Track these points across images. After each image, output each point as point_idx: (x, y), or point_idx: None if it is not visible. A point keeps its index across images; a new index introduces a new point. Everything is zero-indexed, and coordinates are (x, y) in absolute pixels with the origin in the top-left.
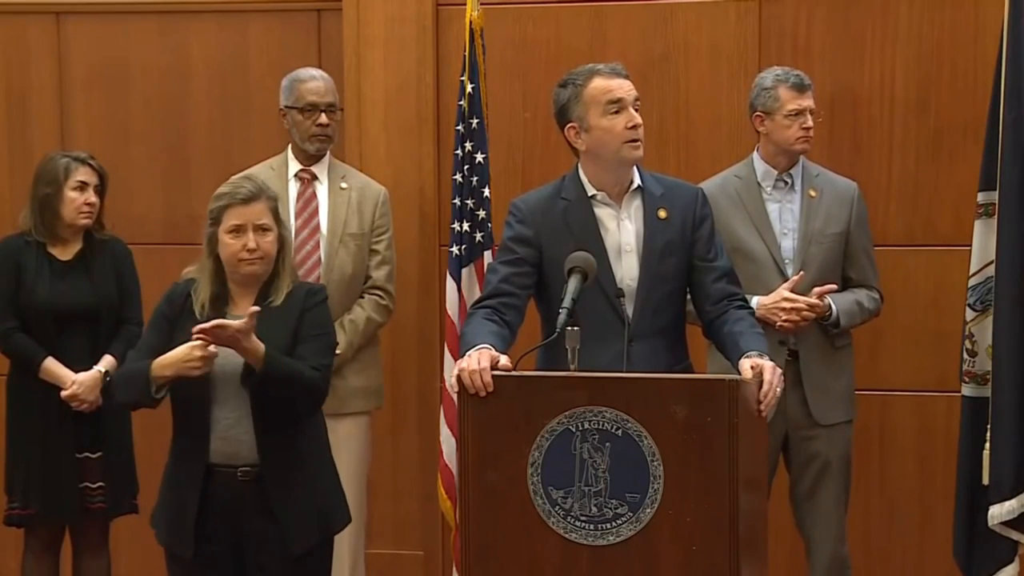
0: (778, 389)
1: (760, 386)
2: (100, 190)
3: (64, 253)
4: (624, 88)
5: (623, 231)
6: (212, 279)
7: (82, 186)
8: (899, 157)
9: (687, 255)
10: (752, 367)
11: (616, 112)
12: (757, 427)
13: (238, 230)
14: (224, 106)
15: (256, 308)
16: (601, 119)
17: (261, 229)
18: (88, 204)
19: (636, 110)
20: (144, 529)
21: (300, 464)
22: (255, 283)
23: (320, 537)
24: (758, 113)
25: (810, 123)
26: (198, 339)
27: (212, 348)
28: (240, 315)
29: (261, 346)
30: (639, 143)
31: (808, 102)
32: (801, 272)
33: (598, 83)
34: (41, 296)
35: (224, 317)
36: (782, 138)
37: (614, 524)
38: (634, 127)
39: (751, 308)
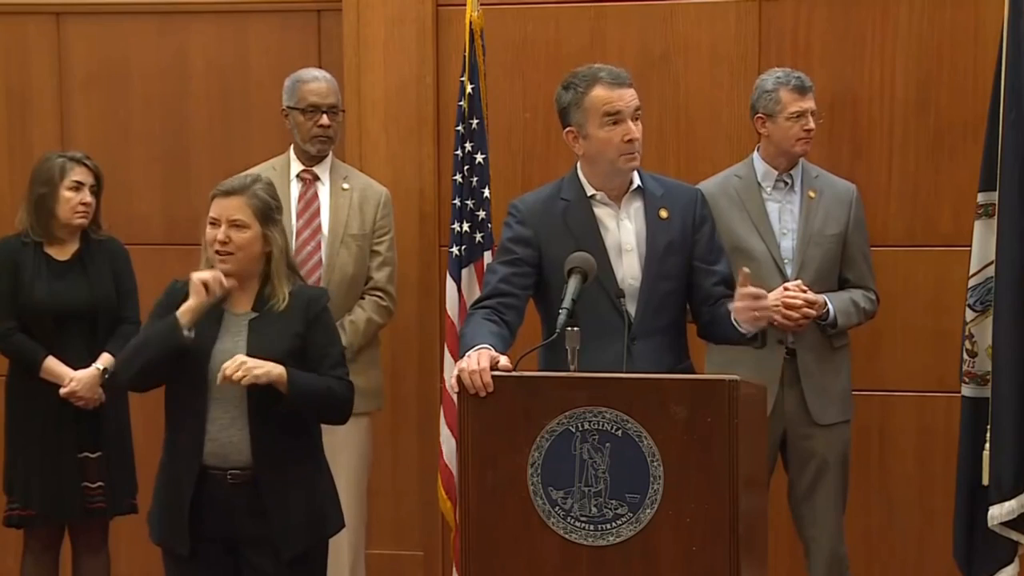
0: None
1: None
2: (96, 190)
3: (61, 253)
4: (625, 99)
5: (623, 231)
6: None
7: (78, 186)
8: (899, 157)
9: (687, 255)
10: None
11: (614, 124)
12: (757, 427)
13: (214, 223)
14: (224, 106)
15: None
16: (599, 130)
17: (235, 225)
18: (83, 204)
19: (637, 120)
20: (144, 529)
21: (294, 467)
22: (240, 281)
23: (313, 541)
24: (759, 115)
25: (811, 125)
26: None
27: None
28: (238, 312)
29: (279, 368)
30: (635, 155)
31: (809, 104)
32: (799, 279)
33: (599, 92)
34: (39, 296)
35: (222, 313)
36: (783, 140)
37: (614, 524)
38: (630, 140)
39: None
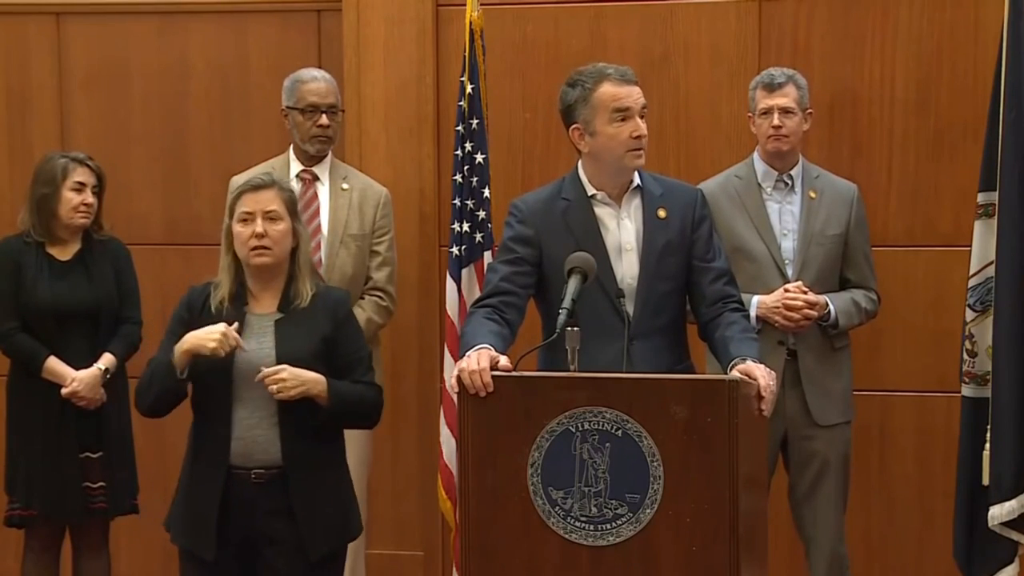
0: (773, 386)
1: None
2: (98, 191)
3: (63, 253)
4: (633, 96)
5: (623, 230)
6: (231, 276)
7: (80, 187)
8: (899, 157)
9: (686, 255)
10: (741, 374)
11: (622, 120)
12: (757, 427)
13: (248, 217)
14: (224, 106)
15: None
16: (607, 126)
17: (270, 217)
18: (85, 204)
19: (643, 118)
20: (144, 529)
21: (323, 468)
22: (270, 279)
23: (338, 543)
24: (749, 114)
25: (777, 122)
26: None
27: (237, 338)
28: (261, 313)
29: (319, 384)
30: (641, 152)
31: (778, 100)
32: (799, 281)
33: (607, 89)
34: (41, 296)
35: (244, 315)
36: (759, 138)
37: (614, 524)
38: (638, 137)
39: (746, 312)
